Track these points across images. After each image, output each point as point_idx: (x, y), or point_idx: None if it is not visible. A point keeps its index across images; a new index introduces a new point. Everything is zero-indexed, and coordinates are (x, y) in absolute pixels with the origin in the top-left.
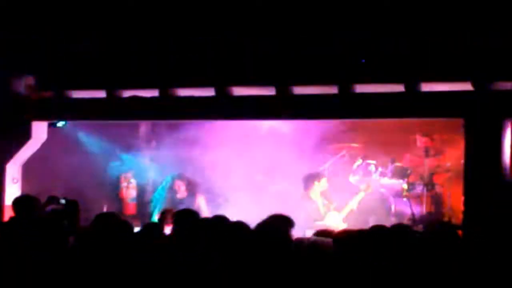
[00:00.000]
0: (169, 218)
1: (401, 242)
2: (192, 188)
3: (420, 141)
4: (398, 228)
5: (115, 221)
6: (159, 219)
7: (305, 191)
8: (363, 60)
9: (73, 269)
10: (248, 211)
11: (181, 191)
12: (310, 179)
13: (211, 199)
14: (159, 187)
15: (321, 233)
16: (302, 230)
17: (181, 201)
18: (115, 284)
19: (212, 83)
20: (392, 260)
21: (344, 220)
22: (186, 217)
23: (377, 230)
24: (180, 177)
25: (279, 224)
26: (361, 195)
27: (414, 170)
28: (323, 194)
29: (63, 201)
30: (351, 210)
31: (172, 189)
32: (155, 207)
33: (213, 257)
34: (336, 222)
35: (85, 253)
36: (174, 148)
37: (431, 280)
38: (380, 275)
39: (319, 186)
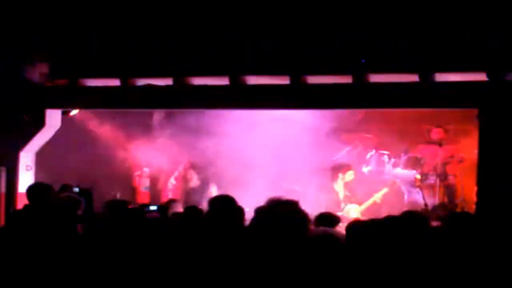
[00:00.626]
0: (173, 207)
1: (415, 231)
2: (204, 177)
3: (434, 131)
4: (411, 216)
5: (124, 208)
6: (164, 208)
7: (329, 181)
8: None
9: (85, 256)
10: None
11: (194, 180)
12: (335, 170)
13: (224, 188)
14: (172, 176)
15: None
16: None
17: (194, 190)
18: (128, 270)
19: (226, 72)
20: (404, 249)
21: (363, 213)
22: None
23: (390, 220)
24: (193, 166)
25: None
26: (385, 190)
27: (427, 160)
28: (346, 185)
29: (76, 190)
30: (373, 204)
31: (184, 178)
32: (168, 196)
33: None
34: (354, 215)
35: (96, 240)
36: (187, 137)
37: (443, 271)
38: (391, 265)
39: (344, 177)
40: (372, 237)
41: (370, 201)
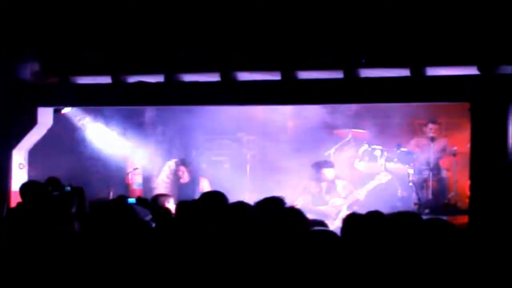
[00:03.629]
0: (162, 202)
1: (406, 228)
2: (194, 173)
3: (427, 125)
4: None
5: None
6: (151, 203)
7: (313, 176)
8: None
9: (79, 253)
10: (250, 196)
11: (184, 177)
12: (319, 166)
13: (215, 183)
14: (162, 171)
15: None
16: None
17: (185, 185)
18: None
19: (217, 68)
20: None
21: (350, 207)
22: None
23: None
24: (183, 162)
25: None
26: (373, 183)
27: (420, 154)
28: (330, 181)
29: (68, 189)
30: (356, 200)
31: (175, 175)
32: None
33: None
34: (338, 208)
35: (90, 238)
36: (178, 133)
37: (436, 266)
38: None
39: (327, 173)
40: (367, 230)
41: (353, 196)
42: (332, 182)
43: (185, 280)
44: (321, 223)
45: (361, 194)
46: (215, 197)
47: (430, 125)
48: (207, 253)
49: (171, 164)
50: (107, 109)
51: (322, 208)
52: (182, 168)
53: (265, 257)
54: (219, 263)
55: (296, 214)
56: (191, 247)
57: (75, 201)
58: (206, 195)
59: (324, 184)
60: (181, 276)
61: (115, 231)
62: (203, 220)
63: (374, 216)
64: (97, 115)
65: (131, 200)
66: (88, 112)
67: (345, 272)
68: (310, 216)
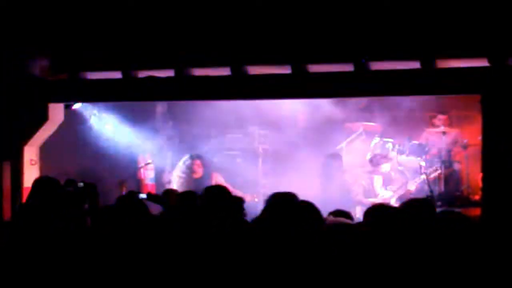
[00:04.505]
0: (172, 198)
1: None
2: (207, 167)
3: (437, 118)
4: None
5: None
6: (155, 197)
7: (368, 169)
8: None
9: (91, 249)
10: (262, 191)
11: (199, 171)
12: (378, 160)
13: (227, 178)
14: (177, 167)
15: (337, 213)
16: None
17: (198, 180)
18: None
19: (228, 62)
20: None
21: (399, 199)
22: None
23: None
24: (198, 157)
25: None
26: (422, 177)
27: (431, 147)
28: (388, 172)
29: (81, 184)
30: (408, 192)
31: (190, 169)
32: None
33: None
34: (388, 200)
35: (103, 233)
36: (190, 128)
37: (450, 258)
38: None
39: (384, 167)
40: (386, 222)
41: (404, 188)
42: (387, 175)
43: (193, 276)
44: (347, 215)
45: (412, 186)
46: (219, 192)
47: (439, 116)
48: (213, 248)
49: (186, 159)
50: (118, 104)
51: (371, 200)
52: (197, 162)
53: (275, 253)
54: (226, 257)
55: (308, 209)
56: (198, 242)
57: (88, 197)
58: (210, 190)
59: (377, 177)
60: (189, 272)
61: (126, 227)
62: (205, 214)
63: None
64: (108, 110)
65: (142, 195)
66: (99, 108)
67: (359, 265)
68: (359, 208)
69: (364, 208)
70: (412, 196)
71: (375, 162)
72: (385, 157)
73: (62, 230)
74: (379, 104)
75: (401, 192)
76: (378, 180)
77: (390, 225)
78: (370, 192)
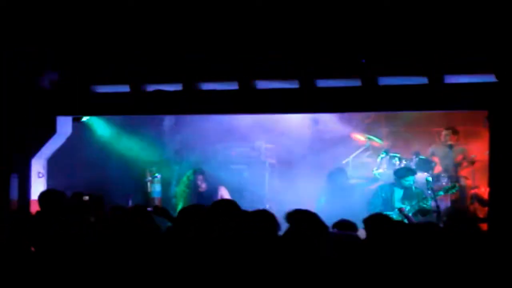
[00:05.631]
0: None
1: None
2: (213, 182)
3: (444, 133)
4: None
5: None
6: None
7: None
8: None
9: (98, 261)
10: (269, 204)
11: (203, 185)
12: (403, 174)
13: (233, 192)
14: (181, 182)
15: (341, 225)
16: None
17: (204, 194)
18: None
19: (235, 77)
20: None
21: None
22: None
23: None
24: (201, 172)
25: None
26: (439, 194)
27: (438, 162)
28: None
29: (87, 198)
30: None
31: (194, 184)
32: (178, 202)
33: None
34: (404, 213)
35: (107, 246)
36: (197, 141)
37: (457, 272)
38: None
39: (408, 180)
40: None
41: (420, 205)
42: (408, 189)
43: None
44: (352, 225)
45: (430, 203)
46: (228, 206)
47: (447, 131)
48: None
49: (190, 174)
50: (126, 117)
51: (388, 213)
52: (200, 177)
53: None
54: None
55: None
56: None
57: (94, 210)
58: (218, 204)
59: (397, 190)
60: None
61: (133, 239)
62: (207, 226)
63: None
64: (115, 123)
65: (148, 209)
66: (107, 121)
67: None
68: None
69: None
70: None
71: (399, 174)
72: (410, 170)
73: (67, 242)
74: (386, 118)
75: (416, 207)
76: (398, 193)
77: (388, 236)
78: (387, 205)
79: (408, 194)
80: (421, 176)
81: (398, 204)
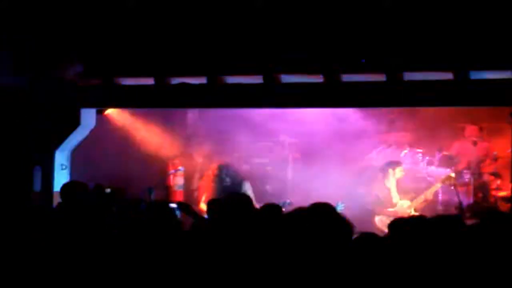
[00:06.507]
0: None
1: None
2: (237, 176)
3: (468, 129)
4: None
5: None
6: (185, 206)
7: (381, 178)
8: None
9: (118, 256)
10: (292, 199)
11: (227, 179)
12: (386, 166)
13: (257, 186)
14: (205, 176)
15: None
16: (371, 216)
17: (228, 188)
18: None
19: (260, 70)
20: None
21: (416, 210)
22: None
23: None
24: (225, 165)
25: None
26: (437, 186)
27: (461, 158)
28: (398, 182)
29: (108, 190)
30: (425, 201)
31: (218, 178)
32: (201, 195)
33: None
34: (407, 211)
35: (129, 239)
36: (220, 135)
37: (483, 271)
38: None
39: (394, 173)
40: (413, 235)
41: (422, 197)
42: (402, 184)
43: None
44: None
45: (429, 194)
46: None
47: (471, 127)
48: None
49: (214, 167)
50: (150, 110)
51: (391, 210)
52: (224, 171)
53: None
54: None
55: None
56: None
57: (116, 202)
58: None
59: (392, 186)
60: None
61: (155, 238)
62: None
63: (418, 221)
64: (139, 116)
65: (172, 205)
66: (131, 113)
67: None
68: (378, 218)
69: (384, 219)
70: (428, 204)
71: (384, 169)
72: (395, 162)
73: (88, 234)
74: (410, 114)
75: (419, 201)
76: (393, 189)
77: (416, 239)
78: (386, 202)
79: (403, 189)
80: (444, 172)
81: (397, 200)
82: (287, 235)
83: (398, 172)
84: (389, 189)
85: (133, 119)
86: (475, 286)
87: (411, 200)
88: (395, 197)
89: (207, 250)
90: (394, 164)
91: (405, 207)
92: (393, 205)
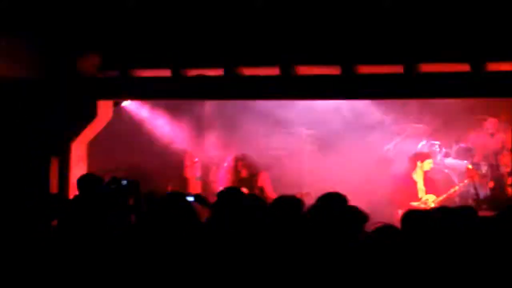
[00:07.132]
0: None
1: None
2: (254, 167)
3: (487, 121)
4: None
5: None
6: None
7: (409, 170)
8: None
9: (133, 247)
10: (309, 190)
11: (243, 171)
12: (413, 158)
13: (274, 177)
14: (222, 167)
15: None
16: (395, 209)
17: (244, 180)
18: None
19: (277, 62)
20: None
21: (442, 203)
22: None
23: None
24: (242, 157)
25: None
26: (466, 181)
27: (478, 150)
28: (425, 175)
29: (124, 182)
30: (450, 196)
31: (235, 170)
32: (218, 187)
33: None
34: (431, 205)
35: (144, 231)
36: (237, 126)
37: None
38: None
39: (422, 166)
40: (426, 227)
41: (451, 191)
42: (429, 177)
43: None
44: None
45: (456, 189)
46: (291, 204)
47: (489, 119)
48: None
49: (231, 159)
50: (167, 101)
51: (414, 204)
52: (241, 163)
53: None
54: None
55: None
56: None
57: (132, 195)
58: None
59: (419, 178)
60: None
61: (171, 230)
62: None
63: (431, 213)
64: (156, 108)
65: (190, 197)
66: (148, 105)
67: (402, 270)
68: (401, 212)
69: None
70: (455, 200)
71: (412, 160)
72: (424, 155)
73: (104, 227)
74: (427, 106)
75: (444, 195)
76: (420, 182)
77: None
78: (411, 195)
79: (430, 182)
80: (461, 164)
81: (422, 194)
82: (306, 228)
83: (427, 164)
84: (415, 182)
85: (149, 111)
86: (490, 278)
87: (437, 195)
88: (421, 190)
89: (224, 242)
90: (422, 156)
91: (430, 201)
92: (418, 199)
